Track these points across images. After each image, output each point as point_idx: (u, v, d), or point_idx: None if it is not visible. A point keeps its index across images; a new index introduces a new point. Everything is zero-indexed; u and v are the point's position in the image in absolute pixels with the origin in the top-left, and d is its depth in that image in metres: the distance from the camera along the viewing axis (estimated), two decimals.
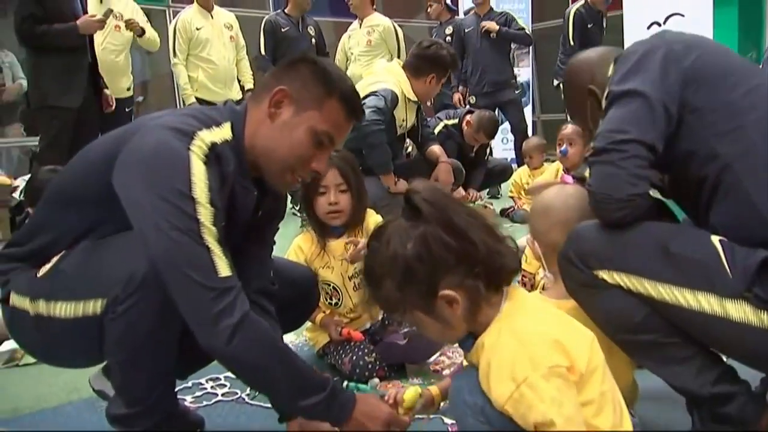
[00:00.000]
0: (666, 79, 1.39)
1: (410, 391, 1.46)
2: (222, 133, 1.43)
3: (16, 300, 1.49)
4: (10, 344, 2.34)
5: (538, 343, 1.15)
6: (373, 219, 2.21)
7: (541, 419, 1.11)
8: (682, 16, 3.35)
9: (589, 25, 6.12)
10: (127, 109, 4.88)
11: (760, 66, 2.75)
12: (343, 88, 1.50)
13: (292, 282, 1.80)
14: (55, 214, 1.51)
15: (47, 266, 1.47)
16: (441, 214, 1.16)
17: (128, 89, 4.95)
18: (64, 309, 1.40)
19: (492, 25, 6.16)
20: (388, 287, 1.18)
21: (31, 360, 2.30)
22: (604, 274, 1.39)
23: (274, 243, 1.75)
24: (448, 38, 6.32)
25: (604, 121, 1.43)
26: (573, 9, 6.27)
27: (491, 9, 6.45)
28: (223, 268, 1.28)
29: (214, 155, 1.37)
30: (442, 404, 1.53)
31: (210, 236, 1.28)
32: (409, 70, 3.61)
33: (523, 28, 6.30)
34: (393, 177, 3.53)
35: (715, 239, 1.35)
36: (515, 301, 1.23)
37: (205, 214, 1.28)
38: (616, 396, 1.23)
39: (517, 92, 6.64)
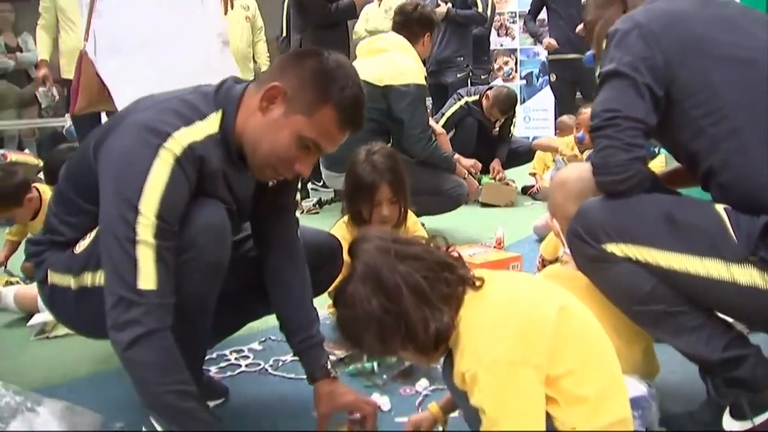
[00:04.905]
0: (647, 61, 1.44)
1: None
2: (206, 127, 1.42)
3: (56, 278, 1.54)
4: (41, 317, 2.41)
5: (486, 338, 1.19)
6: (411, 220, 2.36)
7: (476, 405, 1.19)
8: None
9: None
10: None
11: None
12: (342, 96, 1.41)
13: (318, 248, 1.83)
14: (73, 195, 1.53)
15: (85, 242, 1.50)
16: (374, 278, 1.21)
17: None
18: None
19: (441, 8, 5.74)
20: (370, 342, 1.24)
21: (61, 332, 2.37)
22: (612, 247, 1.42)
23: (295, 205, 1.79)
24: None
25: (596, 101, 1.51)
26: None
27: None
28: (144, 282, 1.28)
29: (190, 157, 1.36)
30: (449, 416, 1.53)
31: (143, 248, 1.29)
32: (409, 40, 3.60)
33: (477, 5, 5.88)
34: (461, 169, 3.71)
35: (719, 207, 1.40)
36: (470, 302, 1.24)
37: (144, 226, 1.29)
38: (607, 363, 1.25)
39: (459, 76, 6.03)
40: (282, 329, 1.68)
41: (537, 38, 6.25)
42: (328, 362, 1.63)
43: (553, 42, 5.82)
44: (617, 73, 1.46)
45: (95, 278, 1.45)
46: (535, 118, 8.78)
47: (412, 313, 1.19)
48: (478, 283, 1.25)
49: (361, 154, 2.26)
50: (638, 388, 1.43)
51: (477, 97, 5.06)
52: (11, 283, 2.96)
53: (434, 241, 1.31)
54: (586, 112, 3.69)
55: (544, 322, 1.20)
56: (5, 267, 3.25)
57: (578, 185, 1.61)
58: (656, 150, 3.49)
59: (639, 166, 1.44)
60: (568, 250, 1.64)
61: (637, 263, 1.41)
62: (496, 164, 4.93)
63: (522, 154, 5.21)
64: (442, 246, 1.31)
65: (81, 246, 1.50)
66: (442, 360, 1.33)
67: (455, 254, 1.30)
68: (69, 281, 1.51)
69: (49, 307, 1.63)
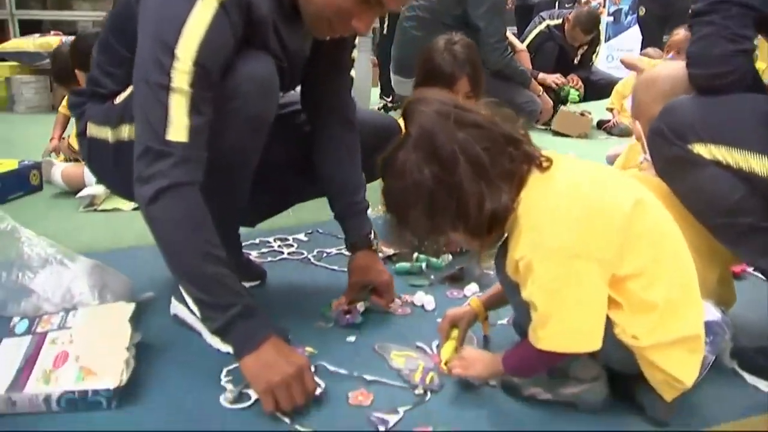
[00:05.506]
0: None
1: (447, 346, 1.32)
2: None
3: (95, 130, 1.46)
4: (90, 190, 2.41)
5: (547, 224, 1.05)
6: None
7: (527, 298, 1.08)
8: None
9: None
10: None
11: None
12: None
13: (375, 129, 1.70)
14: (115, 42, 1.42)
15: (124, 94, 1.41)
16: (428, 144, 1.06)
17: None
18: None
19: None
20: (416, 217, 1.09)
21: (109, 206, 2.38)
22: (700, 148, 1.25)
23: (351, 64, 1.65)
24: None
25: None
26: None
27: None
28: (175, 133, 1.17)
29: (236, 0, 1.23)
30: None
31: (177, 97, 1.17)
32: None
33: None
34: (536, 86, 3.86)
35: None
36: (533, 184, 1.09)
37: (180, 72, 1.16)
38: (683, 269, 1.11)
39: None
40: (326, 193, 1.58)
41: None
42: (372, 232, 1.54)
43: None
44: None
45: (132, 131, 1.35)
46: (619, 58, 8.34)
47: (467, 187, 1.05)
48: (545, 164, 1.10)
49: (440, 42, 2.09)
50: (712, 312, 1.28)
51: (559, 21, 4.79)
52: (69, 160, 2.96)
53: (501, 112, 1.14)
54: (678, 33, 3.41)
55: (617, 213, 1.05)
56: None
57: (668, 83, 1.44)
58: None
59: (743, 60, 1.25)
60: (648, 156, 1.48)
61: (727, 168, 1.23)
62: (573, 76, 4.72)
63: (602, 87, 4.95)
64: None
65: (120, 97, 1.41)
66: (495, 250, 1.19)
67: (522, 131, 1.14)
68: (107, 134, 1.43)
69: (87, 162, 1.56)
